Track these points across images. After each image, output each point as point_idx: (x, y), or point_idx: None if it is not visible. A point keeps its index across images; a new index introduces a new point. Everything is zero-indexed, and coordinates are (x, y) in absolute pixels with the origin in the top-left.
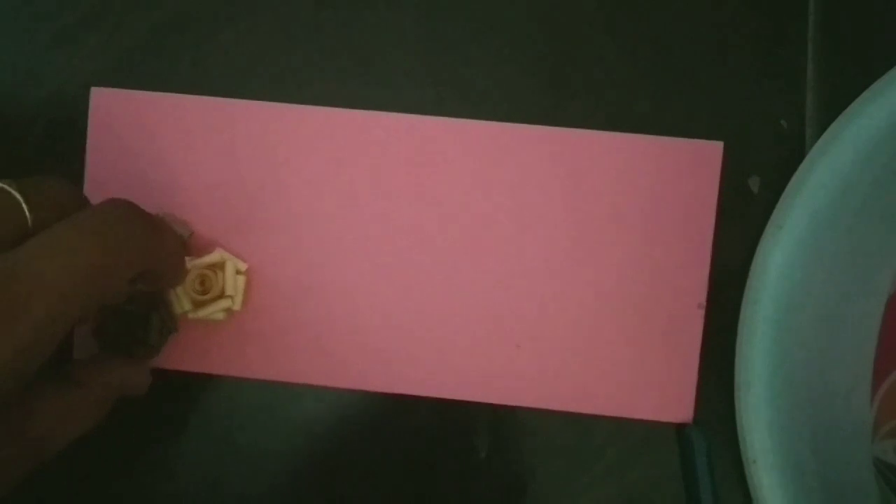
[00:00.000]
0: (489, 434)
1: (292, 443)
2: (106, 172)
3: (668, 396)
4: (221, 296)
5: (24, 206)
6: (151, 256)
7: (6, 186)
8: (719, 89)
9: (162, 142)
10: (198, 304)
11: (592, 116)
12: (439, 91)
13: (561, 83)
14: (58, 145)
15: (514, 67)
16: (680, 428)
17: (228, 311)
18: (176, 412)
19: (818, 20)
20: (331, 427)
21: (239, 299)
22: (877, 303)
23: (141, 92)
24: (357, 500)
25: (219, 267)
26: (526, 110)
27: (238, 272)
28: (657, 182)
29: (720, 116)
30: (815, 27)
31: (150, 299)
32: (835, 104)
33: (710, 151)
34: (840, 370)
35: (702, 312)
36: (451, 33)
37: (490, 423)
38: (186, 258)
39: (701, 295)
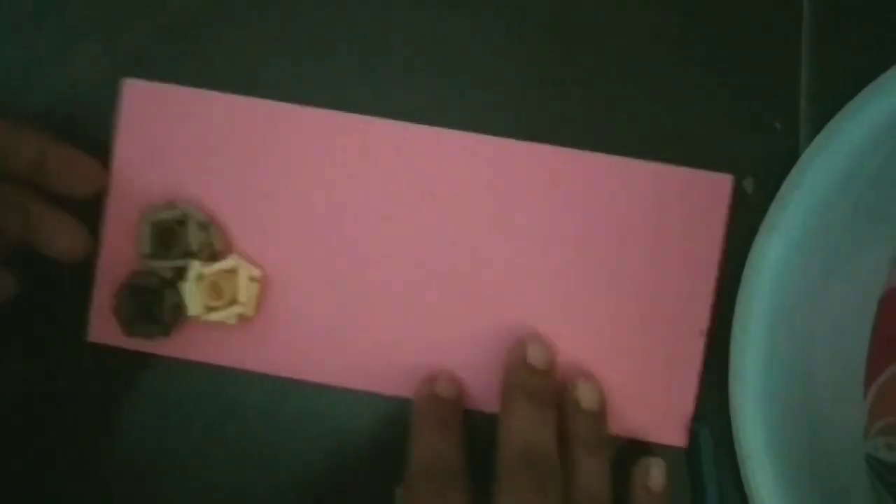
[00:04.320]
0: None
1: (297, 443)
2: (133, 164)
3: (662, 419)
4: (234, 302)
5: None
6: None
7: None
8: (713, 91)
9: (188, 137)
10: (210, 310)
11: (591, 120)
12: (453, 100)
13: (557, 91)
14: (78, 139)
15: (523, 83)
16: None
17: (241, 316)
18: (181, 404)
19: (812, 22)
20: (333, 428)
21: (252, 305)
22: (869, 302)
23: (171, 86)
24: (357, 500)
25: (232, 273)
26: (534, 126)
27: (251, 279)
28: (665, 210)
29: (715, 118)
30: (809, 29)
31: (163, 279)
32: (828, 106)
33: (720, 184)
34: (833, 368)
35: (703, 339)
36: (461, 44)
37: (491, 426)
38: (199, 263)
39: (703, 322)
